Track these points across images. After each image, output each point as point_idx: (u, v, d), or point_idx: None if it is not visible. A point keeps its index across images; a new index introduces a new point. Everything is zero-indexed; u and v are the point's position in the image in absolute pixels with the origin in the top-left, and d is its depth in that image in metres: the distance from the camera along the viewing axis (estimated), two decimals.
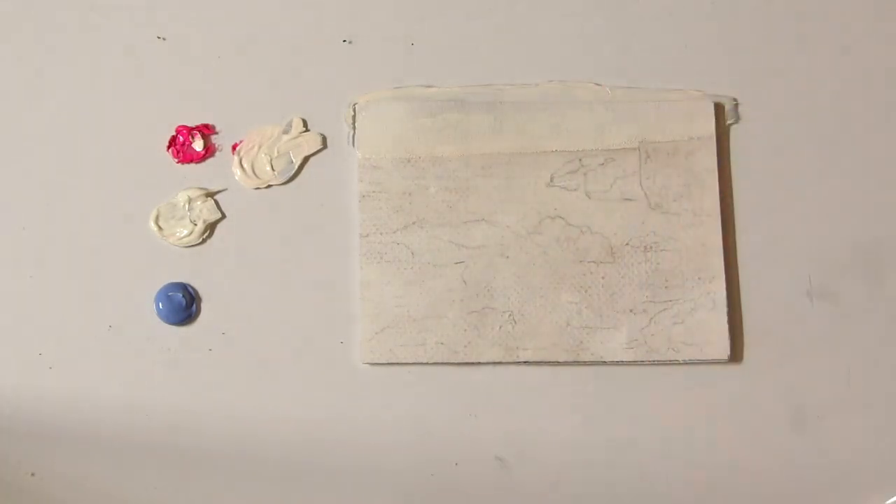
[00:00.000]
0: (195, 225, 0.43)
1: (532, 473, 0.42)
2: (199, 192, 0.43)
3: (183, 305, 0.42)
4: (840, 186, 0.44)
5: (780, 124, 0.44)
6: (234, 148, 0.43)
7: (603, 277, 0.43)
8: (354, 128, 0.43)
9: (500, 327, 0.42)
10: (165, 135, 0.43)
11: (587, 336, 0.42)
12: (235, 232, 0.43)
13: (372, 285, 0.42)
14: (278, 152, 0.43)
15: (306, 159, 0.44)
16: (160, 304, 0.42)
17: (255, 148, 0.43)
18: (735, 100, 0.44)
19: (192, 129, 0.43)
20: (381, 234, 0.43)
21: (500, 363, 0.42)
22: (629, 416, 0.42)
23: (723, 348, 0.42)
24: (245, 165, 0.43)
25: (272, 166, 0.43)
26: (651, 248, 0.43)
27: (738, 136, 0.44)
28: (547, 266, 0.43)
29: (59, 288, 0.43)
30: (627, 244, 0.43)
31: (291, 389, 0.42)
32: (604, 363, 0.42)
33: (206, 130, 0.44)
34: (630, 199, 0.43)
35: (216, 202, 0.43)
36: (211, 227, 0.43)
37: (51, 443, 0.42)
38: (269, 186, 0.43)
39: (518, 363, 0.42)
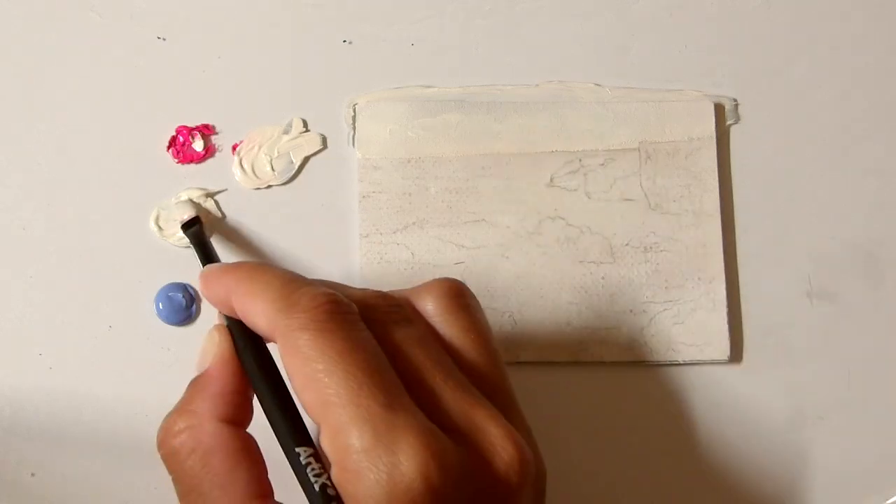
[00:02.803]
0: None
1: None
2: (199, 193, 0.43)
3: (183, 305, 0.42)
4: (840, 186, 0.44)
5: (780, 124, 0.44)
6: (234, 148, 0.43)
7: (603, 278, 0.43)
8: (354, 128, 0.43)
9: (500, 328, 0.42)
10: (165, 135, 0.43)
11: (587, 336, 0.42)
12: (235, 232, 0.43)
13: (372, 285, 0.42)
14: (278, 153, 0.43)
15: (306, 159, 0.44)
16: (160, 305, 0.42)
17: (256, 148, 0.43)
18: (735, 100, 0.44)
19: (192, 129, 0.43)
20: (381, 234, 0.43)
21: None
22: (629, 416, 0.42)
23: (723, 349, 0.42)
24: (245, 166, 0.43)
25: (272, 167, 0.43)
26: (651, 248, 0.43)
27: (738, 136, 0.44)
28: (547, 267, 0.43)
29: (59, 288, 0.43)
30: (627, 244, 0.43)
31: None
32: (604, 363, 0.42)
33: (206, 130, 0.44)
34: (630, 200, 0.43)
35: (216, 202, 0.43)
36: (211, 228, 0.43)
37: (51, 443, 0.42)
38: (269, 187, 0.43)
39: (518, 363, 0.42)
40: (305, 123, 0.44)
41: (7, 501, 0.41)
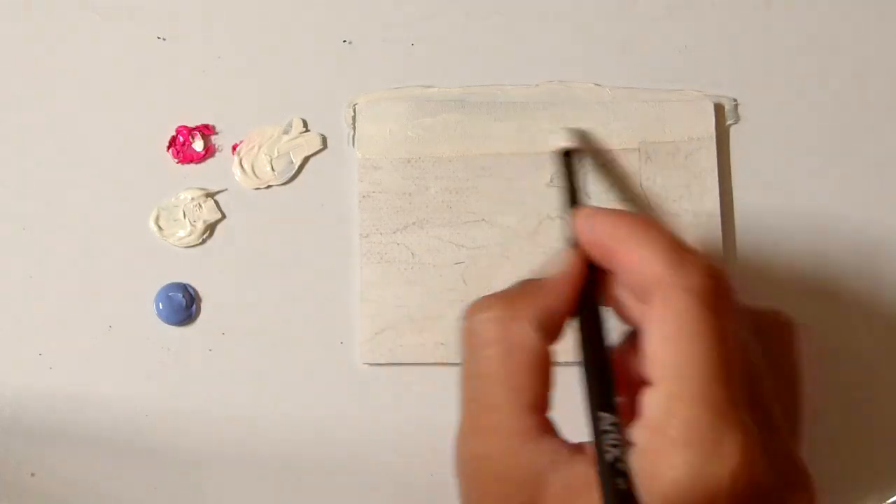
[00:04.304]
0: (195, 225, 0.43)
1: None
2: (199, 193, 0.43)
3: (183, 305, 0.42)
4: (840, 186, 0.44)
5: (780, 124, 0.44)
6: (234, 148, 0.43)
7: None
8: (354, 128, 0.43)
9: None
10: (165, 135, 0.43)
11: None
12: (235, 232, 0.43)
13: (372, 285, 0.42)
14: (278, 153, 0.43)
15: (306, 159, 0.44)
16: (160, 305, 0.42)
17: (256, 148, 0.43)
18: (735, 100, 0.44)
19: (192, 129, 0.43)
20: (381, 234, 0.43)
21: None
22: None
23: None
24: (245, 166, 0.43)
25: (272, 167, 0.43)
26: None
27: (738, 136, 0.44)
28: None
29: (59, 288, 0.43)
30: None
31: (291, 389, 0.42)
32: None
33: (206, 130, 0.44)
34: (630, 200, 0.43)
35: (216, 202, 0.43)
36: (211, 228, 0.43)
37: (51, 443, 0.42)
38: (269, 187, 0.43)
39: None
40: (305, 123, 0.44)
41: (7, 501, 0.41)
